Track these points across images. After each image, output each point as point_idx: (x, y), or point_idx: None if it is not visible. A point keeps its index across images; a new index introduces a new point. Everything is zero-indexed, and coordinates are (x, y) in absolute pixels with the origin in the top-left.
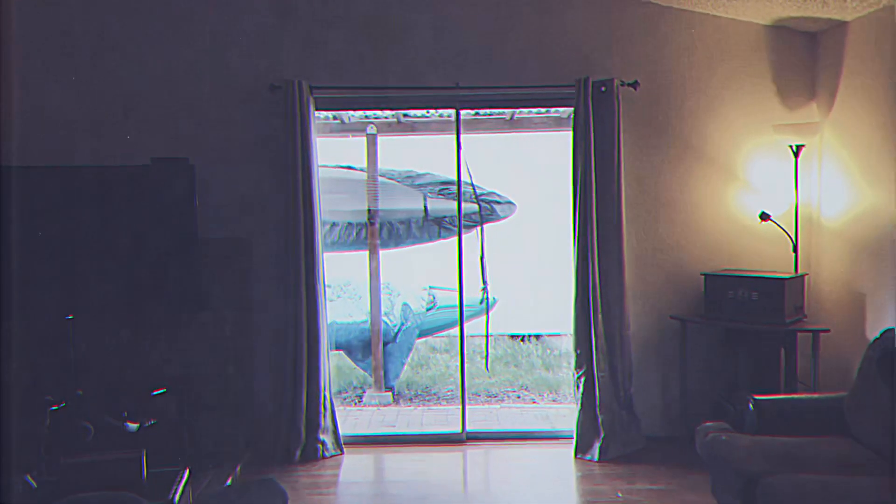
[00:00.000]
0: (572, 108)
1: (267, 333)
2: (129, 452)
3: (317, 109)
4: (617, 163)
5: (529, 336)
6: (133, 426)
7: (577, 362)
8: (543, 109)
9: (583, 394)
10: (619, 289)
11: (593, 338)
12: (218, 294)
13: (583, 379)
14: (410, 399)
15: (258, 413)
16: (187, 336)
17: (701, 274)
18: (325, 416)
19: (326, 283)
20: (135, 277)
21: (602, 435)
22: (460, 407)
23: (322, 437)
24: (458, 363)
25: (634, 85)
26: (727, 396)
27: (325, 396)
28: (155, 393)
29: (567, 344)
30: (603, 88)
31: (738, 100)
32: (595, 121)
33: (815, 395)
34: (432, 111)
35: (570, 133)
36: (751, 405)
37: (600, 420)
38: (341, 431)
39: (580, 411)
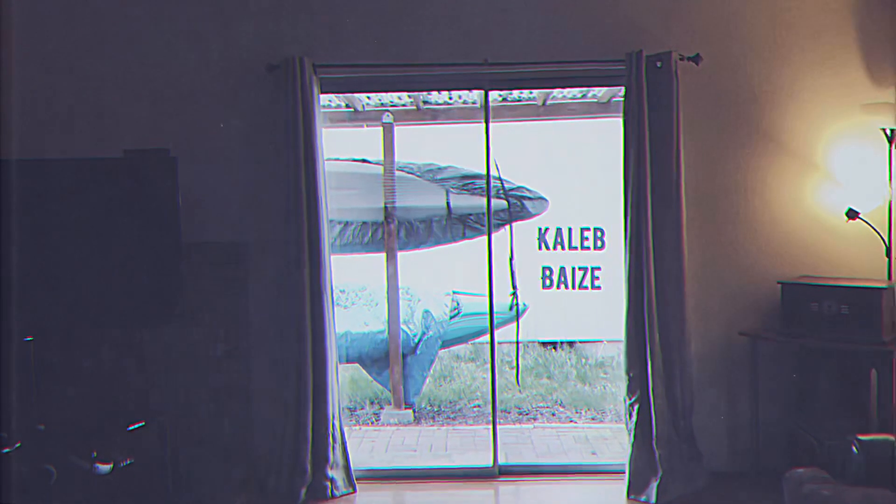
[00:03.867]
0: (622, 88)
1: (265, 353)
2: None
3: (322, 92)
4: (676, 151)
5: (561, 343)
6: (105, 468)
7: (629, 387)
8: (580, 94)
9: (636, 424)
10: (678, 300)
11: (648, 358)
12: (207, 308)
13: (636, 406)
14: (433, 417)
15: (257, 446)
16: (171, 358)
17: (777, 283)
18: (334, 448)
19: (340, 289)
20: (108, 290)
21: (660, 473)
22: (491, 435)
23: (331, 472)
24: (489, 379)
25: (696, 59)
26: (808, 428)
27: (334, 426)
28: (132, 427)
29: (602, 351)
30: (659, 64)
31: (817, 75)
32: (650, 102)
33: None
34: (455, 97)
35: (620, 117)
36: (855, 447)
37: (657, 455)
38: (356, 460)
39: (633, 445)
